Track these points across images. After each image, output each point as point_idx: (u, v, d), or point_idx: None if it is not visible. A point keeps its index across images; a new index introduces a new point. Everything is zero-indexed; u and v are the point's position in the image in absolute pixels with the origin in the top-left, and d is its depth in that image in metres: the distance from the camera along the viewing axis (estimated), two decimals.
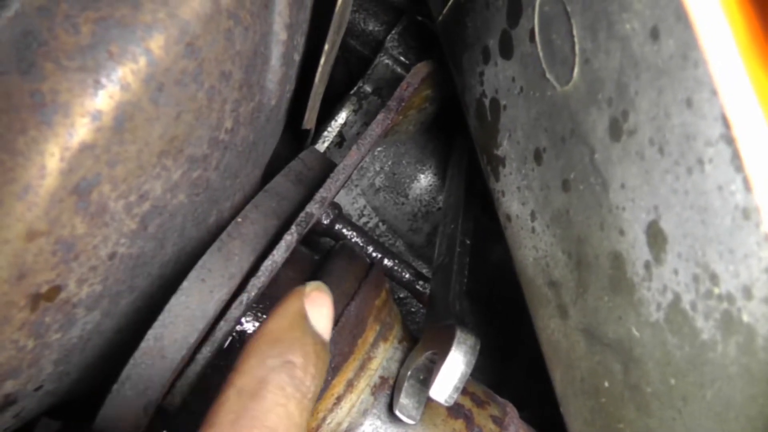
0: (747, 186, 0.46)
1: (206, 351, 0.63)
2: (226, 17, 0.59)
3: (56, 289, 0.56)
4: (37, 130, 0.50)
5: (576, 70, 0.60)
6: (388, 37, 1.09)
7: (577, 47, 0.59)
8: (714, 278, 0.50)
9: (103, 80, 0.52)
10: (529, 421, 0.80)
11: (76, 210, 0.53)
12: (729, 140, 0.46)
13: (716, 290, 0.50)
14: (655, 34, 0.51)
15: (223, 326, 0.63)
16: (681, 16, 0.48)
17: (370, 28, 1.15)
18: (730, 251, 0.48)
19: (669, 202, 0.53)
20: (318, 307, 0.57)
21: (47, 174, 0.50)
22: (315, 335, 0.55)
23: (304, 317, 0.56)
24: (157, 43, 0.54)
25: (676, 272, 0.53)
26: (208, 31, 0.57)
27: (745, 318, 0.48)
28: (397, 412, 0.68)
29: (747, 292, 0.48)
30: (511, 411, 0.78)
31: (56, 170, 0.51)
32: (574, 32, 0.59)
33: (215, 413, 0.49)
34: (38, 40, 0.50)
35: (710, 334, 0.51)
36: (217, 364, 0.68)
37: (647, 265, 0.56)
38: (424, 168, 1.09)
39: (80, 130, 0.51)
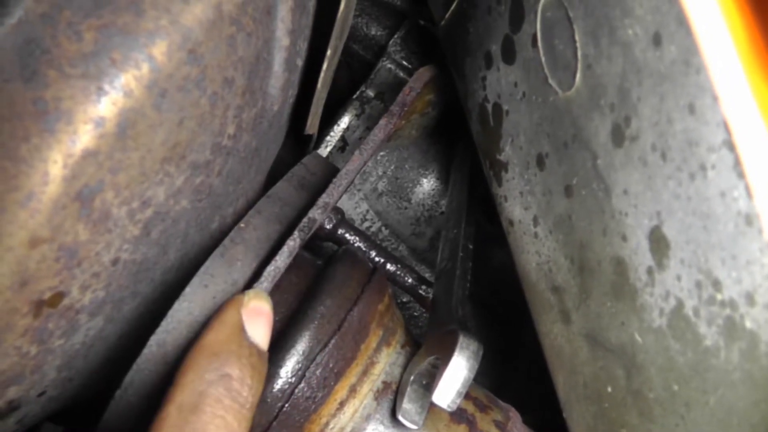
0: (749, 193, 0.46)
1: None
2: (229, 23, 0.59)
3: (59, 296, 0.56)
4: (40, 137, 0.50)
5: (578, 75, 0.60)
6: (391, 42, 1.09)
7: (579, 53, 0.59)
8: (717, 284, 0.50)
9: (106, 87, 0.52)
10: (531, 424, 0.80)
11: (78, 217, 0.53)
12: (731, 146, 0.46)
13: (719, 296, 0.50)
14: (657, 40, 0.51)
15: None
16: (683, 22, 0.48)
17: (373, 32, 1.15)
18: (733, 258, 0.48)
19: (671, 208, 0.53)
20: (256, 317, 0.59)
21: (50, 181, 0.51)
22: (251, 347, 0.58)
23: (241, 329, 0.58)
24: (159, 49, 0.54)
25: (678, 278, 0.53)
26: (211, 38, 0.57)
27: (748, 324, 0.48)
28: (400, 417, 0.68)
29: (750, 299, 0.48)
30: (514, 416, 0.78)
31: (59, 177, 0.51)
32: (577, 37, 0.59)
33: (157, 429, 0.51)
34: (41, 47, 0.50)
35: (713, 340, 0.51)
36: None
37: (650, 271, 0.56)
38: (427, 172, 1.09)
39: (83, 137, 0.51)
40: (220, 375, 0.54)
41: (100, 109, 0.52)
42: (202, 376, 0.54)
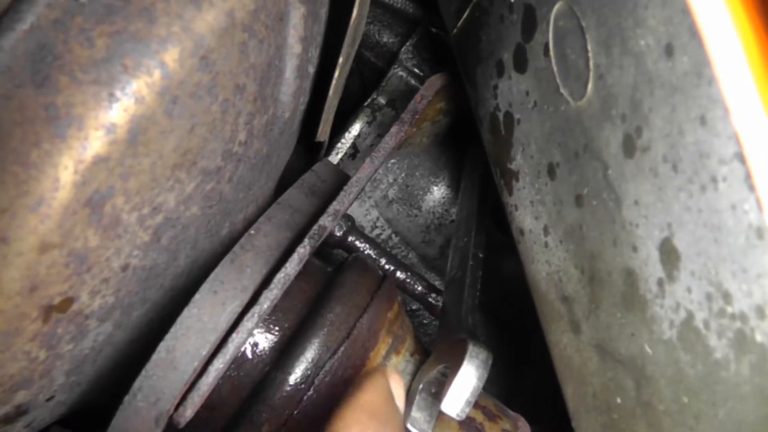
0: (760, 206, 0.46)
1: (218, 363, 0.63)
2: (241, 30, 0.59)
3: (69, 301, 0.56)
4: (51, 143, 0.50)
5: (590, 85, 0.59)
6: (403, 49, 1.09)
7: (591, 62, 0.59)
8: (727, 297, 0.50)
9: (118, 93, 0.52)
10: None
11: (89, 222, 0.53)
12: (742, 159, 0.46)
13: (729, 309, 0.50)
14: (669, 51, 0.50)
15: (235, 338, 0.63)
16: (695, 34, 0.48)
17: (385, 39, 1.15)
18: (744, 270, 0.48)
19: (682, 219, 0.52)
20: (398, 387, 0.64)
21: (60, 187, 0.51)
22: (400, 414, 0.62)
23: (392, 395, 0.62)
24: (171, 56, 0.54)
25: (689, 290, 0.53)
26: (223, 45, 0.57)
27: (759, 338, 0.48)
28: (409, 425, 0.68)
29: (760, 312, 0.47)
30: (523, 425, 0.77)
31: (70, 183, 0.51)
32: (589, 47, 0.59)
33: None
34: (53, 53, 0.50)
35: (723, 352, 0.51)
36: (229, 375, 0.68)
37: (660, 283, 0.56)
38: (438, 180, 1.09)
39: (94, 143, 0.51)
40: None
41: (111, 115, 0.52)
42: None
